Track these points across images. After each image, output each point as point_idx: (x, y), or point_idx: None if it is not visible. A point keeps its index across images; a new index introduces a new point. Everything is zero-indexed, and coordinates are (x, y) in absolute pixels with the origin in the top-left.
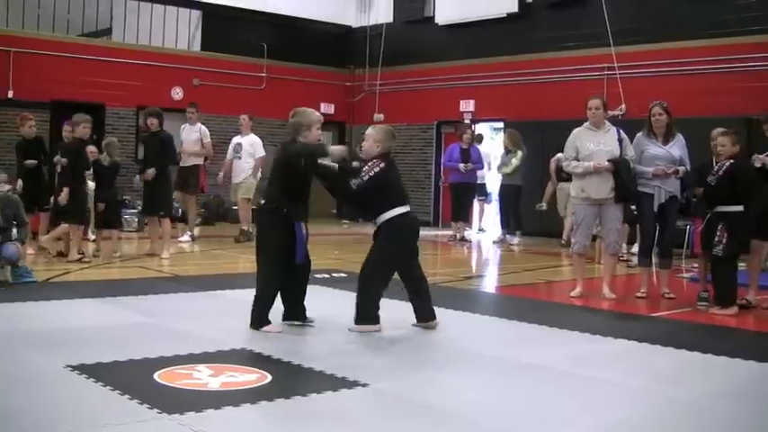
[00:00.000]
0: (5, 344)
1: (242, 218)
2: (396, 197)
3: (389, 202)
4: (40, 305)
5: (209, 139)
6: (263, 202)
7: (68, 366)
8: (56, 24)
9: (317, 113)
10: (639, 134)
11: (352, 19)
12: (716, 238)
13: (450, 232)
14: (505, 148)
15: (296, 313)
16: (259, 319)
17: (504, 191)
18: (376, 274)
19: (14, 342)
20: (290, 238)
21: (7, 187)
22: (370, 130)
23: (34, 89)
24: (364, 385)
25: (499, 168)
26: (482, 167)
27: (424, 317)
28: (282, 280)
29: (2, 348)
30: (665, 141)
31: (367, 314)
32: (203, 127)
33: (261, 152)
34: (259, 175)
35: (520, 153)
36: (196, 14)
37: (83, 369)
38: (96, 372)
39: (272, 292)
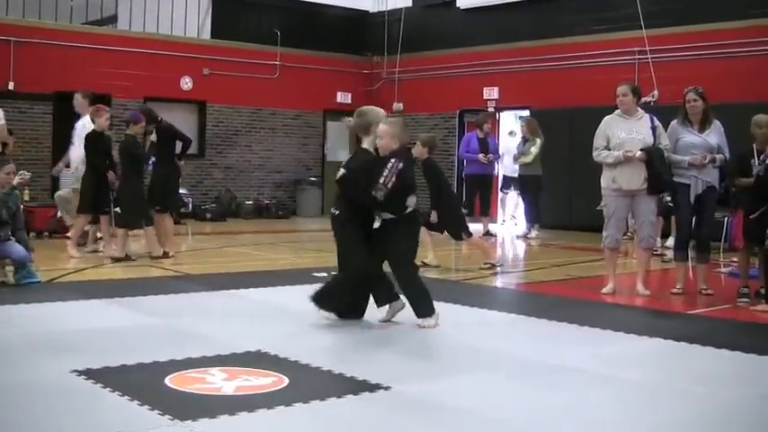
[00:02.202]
0: (9, 348)
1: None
2: (411, 190)
3: (408, 195)
4: (44, 307)
5: (4, 122)
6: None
7: (75, 371)
8: (59, 12)
9: (383, 111)
10: (674, 122)
11: (370, 3)
12: None
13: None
14: (523, 136)
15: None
16: (333, 305)
17: (524, 181)
18: (410, 263)
19: (18, 346)
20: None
21: (17, 180)
22: (383, 126)
23: (36, 81)
24: (387, 388)
25: (516, 158)
26: (500, 158)
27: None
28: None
29: (5, 353)
30: (702, 129)
31: (429, 305)
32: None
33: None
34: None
35: (538, 141)
36: (206, 0)
37: (89, 374)
38: (104, 377)
39: (358, 282)
